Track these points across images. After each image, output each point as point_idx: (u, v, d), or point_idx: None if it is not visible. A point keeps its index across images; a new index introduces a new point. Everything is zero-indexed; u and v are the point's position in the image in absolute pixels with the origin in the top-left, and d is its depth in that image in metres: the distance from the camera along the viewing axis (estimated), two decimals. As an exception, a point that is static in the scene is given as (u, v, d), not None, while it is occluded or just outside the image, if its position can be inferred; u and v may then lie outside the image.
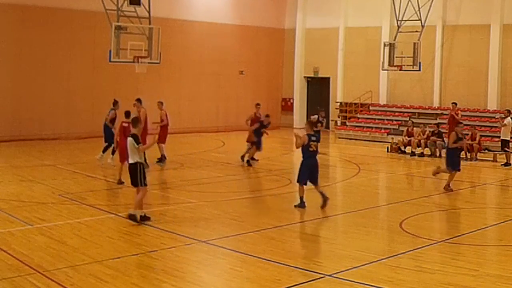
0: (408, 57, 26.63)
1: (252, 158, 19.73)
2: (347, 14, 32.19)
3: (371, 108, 30.96)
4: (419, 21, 26.56)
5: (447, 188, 15.45)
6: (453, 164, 15.53)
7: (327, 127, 32.92)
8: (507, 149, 20.57)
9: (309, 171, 13.19)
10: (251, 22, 32.97)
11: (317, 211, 13.54)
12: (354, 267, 9.13)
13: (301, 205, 13.26)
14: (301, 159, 13.35)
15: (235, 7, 32.56)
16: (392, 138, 25.51)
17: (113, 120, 18.53)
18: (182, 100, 30.04)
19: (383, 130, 28.75)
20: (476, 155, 22.09)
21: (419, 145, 23.22)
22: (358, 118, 30.63)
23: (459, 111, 23.28)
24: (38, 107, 25.54)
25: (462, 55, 28.29)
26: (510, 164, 20.41)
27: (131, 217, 11.61)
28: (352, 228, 12.11)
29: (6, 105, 24.78)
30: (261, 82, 33.98)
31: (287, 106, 35.05)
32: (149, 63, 22.35)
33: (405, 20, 27.01)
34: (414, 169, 21.49)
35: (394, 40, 27.33)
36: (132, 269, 8.97)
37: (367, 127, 29.47)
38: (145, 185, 11.70)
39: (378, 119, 29.82)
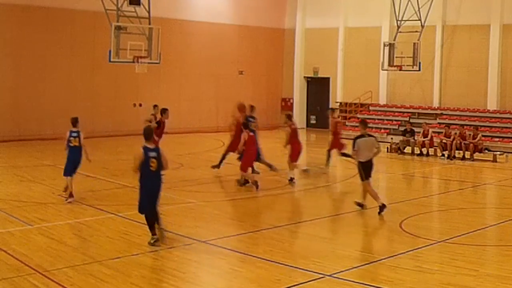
0: (408, 57, 26.61)
1: None
2: (347, 14, 32.18)
3: (371, 108, 30.96)
4: (419, 21, 26.55)
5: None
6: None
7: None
8: None
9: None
10: (251, 22, 32.96)
11: (317, 211, 13.54)
12: (354, 267, 9.13)
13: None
14: None
15: (235, 7, 32.55)
16: (392, 138, 25.51)
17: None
18: (182, 100, 30.03)
19: (383, 130, 28.75)
20: (472, 155, 22.08)
21: (423, 146, 23.26)
22: (358, 118, 30.59)
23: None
24: (38, 107, 25.53)
25: (462, 55, 28.28)
26: None
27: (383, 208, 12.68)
28: (352, 228, 12.11)
29: (6, 105, 24.79)
30: (261, 82, 33.97)
31: (287, 106, 35.03)
32: (149, 63, 22.34)
33: (405, 20, 27.00)
34: (413, 169, 21.50)
35: (394, 40, 27.32)
36: (132, 269, 8.97)
37: (367, 127, 29.40)
38: None
39: (378, 119, 29.82)
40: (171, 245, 10.27)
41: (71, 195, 13.58)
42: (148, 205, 10.12)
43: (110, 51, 21.27)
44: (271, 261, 9.39)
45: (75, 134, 14.02)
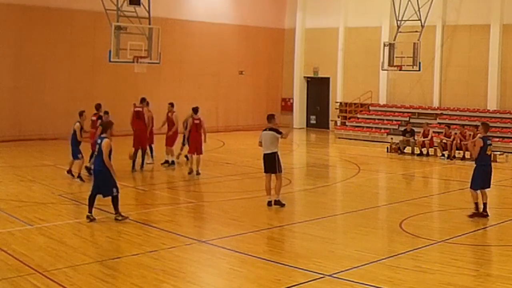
0: (408, 57, 26.60)
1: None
2: (347, 14, 32.18)
3: (371, 108, 30.96)
4: (419, 21, 26.54)
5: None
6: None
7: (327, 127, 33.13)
8: None
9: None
10: (251, 22, 32.96)
11: (317, 211, 13.55)
12: (354, 267, 9.13)
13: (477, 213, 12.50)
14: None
15: (235, 7, 32.55)
16: (392, 138, 25.51)
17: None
18: (182, 100, 29.89)
19: (383, 130, 28.75)
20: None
21: (423, 146, 23.26)
22: (358, 118, 30.63)
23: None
24: (38, 107, 25.52)
25: (462, 55, 28.29)
26: None
27: (278, 203, 13.31)
28: (352, 228, 12.10)
29: (6, 105, 24.78)
30: (261, 82, 33.97)
31: (286, 106, 35.06)
32: (149, 63, 22.33)
33: (405, 20, 26.99)
34: (413, 169, 21.49)
35: (394, 40, 27.31)
36: (132, 269, 8.97)
37: (367, 127, 29.47)
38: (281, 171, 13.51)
39: (378, 119, 29.82)
40: (171, 245, 10.27)
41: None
42: (95, 186, 11.94)
43: (110, 51, 21.25)
44: (271, 261, 9.39)
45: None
